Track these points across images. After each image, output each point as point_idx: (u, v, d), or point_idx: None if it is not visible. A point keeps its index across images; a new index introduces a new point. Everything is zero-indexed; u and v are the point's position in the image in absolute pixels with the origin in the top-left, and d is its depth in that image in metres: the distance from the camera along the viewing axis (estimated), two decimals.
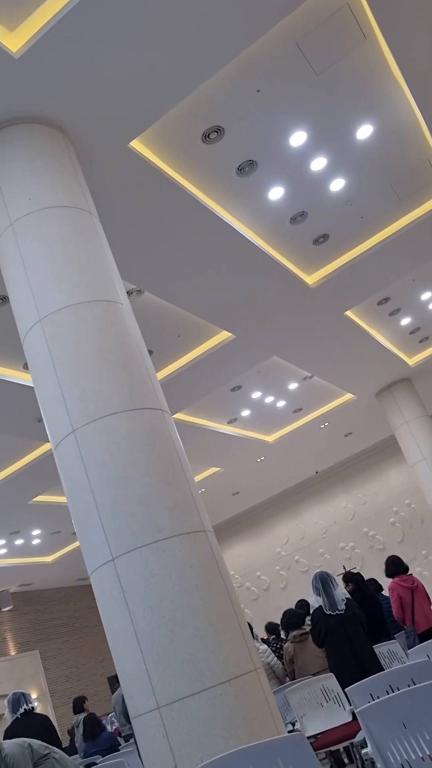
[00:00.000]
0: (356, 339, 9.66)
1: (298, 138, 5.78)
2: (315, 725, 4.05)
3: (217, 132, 5.38)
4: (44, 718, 5.54)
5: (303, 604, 6.66)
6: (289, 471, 15.11)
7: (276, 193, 6.36)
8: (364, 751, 2.74)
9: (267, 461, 13.60)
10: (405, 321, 10.05)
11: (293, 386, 10.89)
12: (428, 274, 8.95)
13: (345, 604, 4.54)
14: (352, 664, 4.27)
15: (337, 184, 6.56)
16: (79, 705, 7.65)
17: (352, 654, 4.32)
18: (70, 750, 7.05)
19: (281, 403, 11.36)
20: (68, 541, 13.96)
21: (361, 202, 6.98)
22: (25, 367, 7.51)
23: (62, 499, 11.53)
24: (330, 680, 4.18)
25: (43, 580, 15.61)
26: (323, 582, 4.65)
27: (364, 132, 6.03)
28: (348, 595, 4.67)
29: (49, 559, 14.51)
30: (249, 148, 5.69)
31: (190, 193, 5.78)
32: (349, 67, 5.31)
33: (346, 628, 4.40)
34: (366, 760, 2.79)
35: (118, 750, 5.48)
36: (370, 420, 13.24)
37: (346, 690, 2.80)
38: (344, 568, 12.91)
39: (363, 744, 2.77)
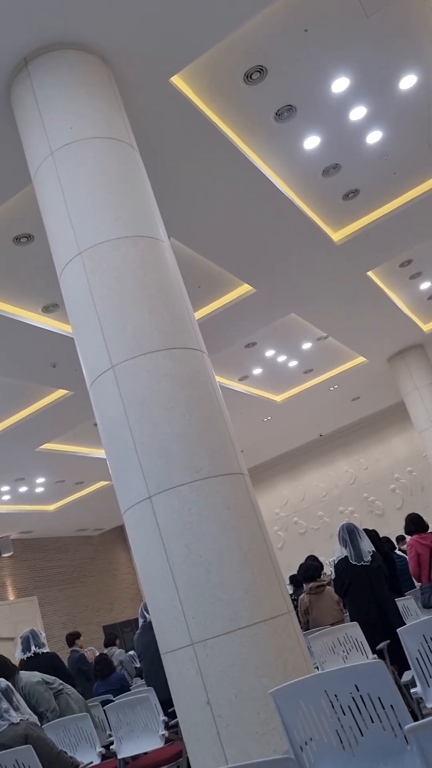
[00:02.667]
0: (375, 301, 9.56)
1: (340, 84, 5.60)
2: None
3: (260, 72, 5.20)
4: (49, 658, 5.59)
5: (314, 558, 6.71)
6: (294, 432, 15.13)
7: (312, 142, 6.19)
8: (413, 690, 2.75)
9: (273, 421, 13.60)
10: (425, 285, 9.94)
11: (307, 346, 10.82)
12: None
13: (371, 556, 4.56)
14: (376, 614, 4.30)
15: (374, 137, 6.40)
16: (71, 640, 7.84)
17: (376, 605, 4.35)
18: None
19: (293, 363, 11.30)
20: (70, 491, 14.05)
21: (395, 158, 6.82)
22: (45, 310, 7.42)
23: (69, 448, 11.55)
24: (354, 629, 4.21)
25: (43, 528, 15.74)
26: (350, 533, 4.65)
27: (407, 82, 5.85)
28: (373, 548, 4.68)
29: (50, 508, 14.61)
30: (290, 92, 5.51)
31: (226, 136, 5.62)
32: (400, 12, 5.12)
33: (371, 580, 4.42)
34: (414, 699, 2.80)
35: (129, 690, 5.55)
36: (378, 385, 13.21)
37: (399, 630, 2.80)
38: None
39: (412, 684, 2.77)
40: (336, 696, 1.68)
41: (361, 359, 11.95)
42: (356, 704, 1.67)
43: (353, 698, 1.67)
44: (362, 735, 1.67)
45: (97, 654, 6.08)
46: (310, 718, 1.72)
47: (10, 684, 3.08)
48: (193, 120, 5.31)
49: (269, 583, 3.33)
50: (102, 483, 13.78)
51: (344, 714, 1.68)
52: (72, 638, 7.82)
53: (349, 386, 13.00)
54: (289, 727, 1.74)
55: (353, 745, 1.66)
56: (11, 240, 6.10)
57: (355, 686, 1.65)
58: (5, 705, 3.00)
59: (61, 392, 9.30)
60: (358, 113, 6.03)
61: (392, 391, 13.08)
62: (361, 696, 1.66)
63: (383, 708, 1.63)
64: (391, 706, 1.63)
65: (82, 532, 17.36)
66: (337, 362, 11.91)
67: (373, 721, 1.65)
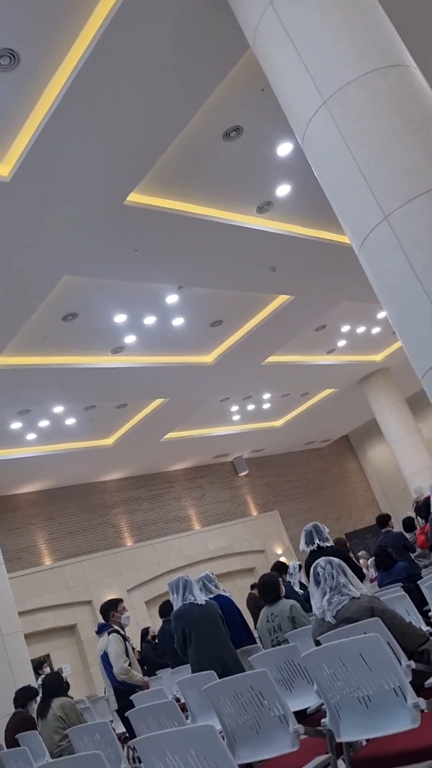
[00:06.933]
0: None
1: None
2: None
3: None
4: (335, 551, 5.44)
5: None
6: None
7: None
8: None
9: None
10: None
11: None
12: None
13: None
14: None
15: None
16: None
17: None
18: None
19: None
20: (296, 404, 14.06)
21: None
22: (260, 210, 7.14)
23: (292, 358, 11.42)
24: None
25: (273, 445, 16.03)
26: None
27: None
28: None
29: (278, 423, 14.76)
30: None
31: None
32: None
33: None
34: None
35: (420, 577, 5.34)
36: None
37: None
38: None
39: None
40: None
41: None
42: None
43: None
44: None
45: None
46: None
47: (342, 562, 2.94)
48: None
49: None
50: (327, 391, 13.60)
51: None
52: (385, 519, 7.98)
53: None
54: None
55: None
56: (221, 136, 5.84)
57: None
58: (343, 579, 2.86)
59: (282, 298, 9.07)
60: None
61: None
62: None
63: None
64: None
65: (310, 445, 17.47)
66: None
67: None
